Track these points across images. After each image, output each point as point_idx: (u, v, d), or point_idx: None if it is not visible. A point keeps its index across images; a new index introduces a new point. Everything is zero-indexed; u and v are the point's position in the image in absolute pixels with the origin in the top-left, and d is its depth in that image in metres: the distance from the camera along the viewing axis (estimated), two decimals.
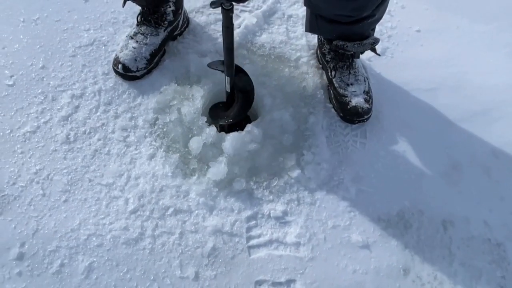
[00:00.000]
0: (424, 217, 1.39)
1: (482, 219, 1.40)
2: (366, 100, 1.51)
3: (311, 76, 1.65)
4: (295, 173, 1.42)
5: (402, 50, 1.74)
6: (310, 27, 1.48)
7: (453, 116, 1.58)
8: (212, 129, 1.45)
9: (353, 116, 1.50)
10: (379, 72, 1.67)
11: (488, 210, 1.42)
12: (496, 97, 1.63)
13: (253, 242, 1.34)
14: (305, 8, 1.48)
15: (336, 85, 1.53)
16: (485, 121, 1.57)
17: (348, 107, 1.50)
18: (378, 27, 1.47)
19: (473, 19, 1.85)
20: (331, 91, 1.57)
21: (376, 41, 1.41)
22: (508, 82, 1.67)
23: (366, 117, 1.51)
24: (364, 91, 1.52)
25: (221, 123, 1.47)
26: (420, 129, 1.55)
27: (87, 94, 1.57)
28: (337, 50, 1.47)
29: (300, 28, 1.77)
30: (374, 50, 1.46)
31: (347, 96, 1.51)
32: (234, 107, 1.43)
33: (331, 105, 1.59)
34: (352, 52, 1.46)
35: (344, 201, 1.40)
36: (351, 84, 1.52)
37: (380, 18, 1.40)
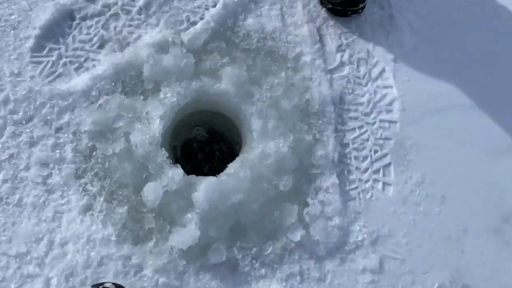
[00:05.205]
0: None
1: None
2: None
3: (316, 84, 1.21)
4: (297, 233, 1.10)
5: None
6: None
7: (503, 146, 1.21)
8: (178, 171, 1.01)
9: (345, 4, 1.22)
10: (408, 79, 1.25)
11: None
12: None
13: None
14: None
15: None
16: None
17: None
18: None
19: None
20: None
21: None
22: None
23: (361, 6, 1.25)
24: None
25: None
26: (460, 164, 1.20)
27: None
28: None
29: (301, 9, 1.30)
30: None
31: None
32: None
33: (343, 127, 1.17)
34: None
35: (365, 274, 1.09)
36: None
37: None
